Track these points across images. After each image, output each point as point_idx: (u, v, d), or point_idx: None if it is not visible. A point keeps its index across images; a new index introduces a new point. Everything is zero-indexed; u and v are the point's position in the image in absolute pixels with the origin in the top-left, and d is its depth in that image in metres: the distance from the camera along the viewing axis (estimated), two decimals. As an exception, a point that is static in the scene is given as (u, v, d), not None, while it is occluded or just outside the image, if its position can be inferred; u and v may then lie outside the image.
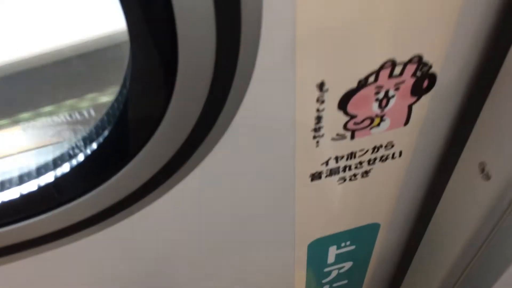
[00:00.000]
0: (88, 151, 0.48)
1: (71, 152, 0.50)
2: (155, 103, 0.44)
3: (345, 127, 0.54)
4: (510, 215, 0.54)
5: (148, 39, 0.39)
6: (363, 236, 0.82)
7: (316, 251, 0.81)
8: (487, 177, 0.51)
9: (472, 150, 0.55)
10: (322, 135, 0.54)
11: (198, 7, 0.35)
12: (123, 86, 0.45)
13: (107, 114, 0.47)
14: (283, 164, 0.58)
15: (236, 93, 0.44)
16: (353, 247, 0.84)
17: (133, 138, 0.47)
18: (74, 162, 0.50)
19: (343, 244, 0.82)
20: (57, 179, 0.50)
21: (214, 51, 0.39)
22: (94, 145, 0.48)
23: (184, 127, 0.46)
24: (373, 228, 0.80)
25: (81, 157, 0.49)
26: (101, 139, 0.48)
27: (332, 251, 0.83)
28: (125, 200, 0.52)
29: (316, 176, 0.62)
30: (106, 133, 0.47)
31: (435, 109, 0.56)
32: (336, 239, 0.80)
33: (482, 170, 0.52)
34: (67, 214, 0.52)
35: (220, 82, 0.42)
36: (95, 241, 0.58)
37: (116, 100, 0.46)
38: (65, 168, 0.50)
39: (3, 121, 0.65)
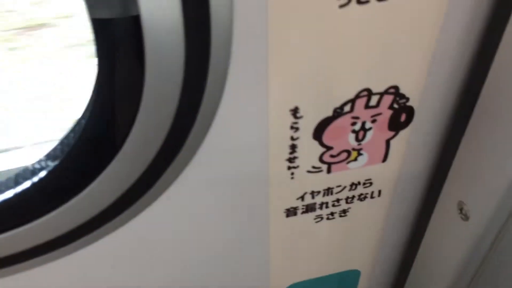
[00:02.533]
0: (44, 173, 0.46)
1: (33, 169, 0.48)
2: (114, 134, 0.43)
3: (321, 159, 0.53)
4: (492, 258, 0.51)
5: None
6: (342, 283, 0.78)
7: (293, 298, 0.77)
8: (466, 217, 0.49)
9: (451, 189, 0.53)
10: (297, 167, 0.53)
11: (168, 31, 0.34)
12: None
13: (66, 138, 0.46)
14: (257, 197, 0.56)
15: (203, 119, 0.43)
16: (332, 295, 0.80)
17: (90, 164, 0.45)
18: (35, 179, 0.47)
19: (321, 292, 0.78)
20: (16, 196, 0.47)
21: (181, 81, 0.39)
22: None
23: (146, 155, 0.44)
24: (353, 276, 0.77)
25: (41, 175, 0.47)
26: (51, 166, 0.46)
27: (310, 299, 0.79)
28: (81, 226, 0.49)
29: (291, 212, 0.59)
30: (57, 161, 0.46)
31: (414, 146, 0.55)
32: (314, 285, 0.76)
33: (461, 210, 0.50)
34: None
35: (185, 112, 0.41)
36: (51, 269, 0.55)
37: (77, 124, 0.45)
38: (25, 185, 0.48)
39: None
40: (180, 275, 0.64)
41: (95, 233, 0.51)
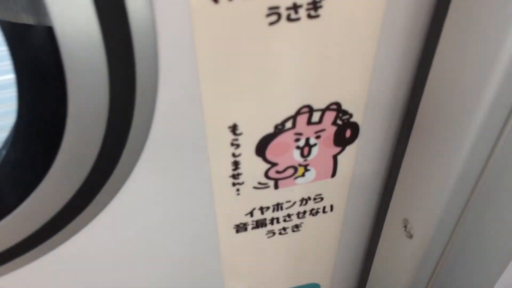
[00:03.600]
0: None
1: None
2: (43, 152, 0.41)
3: (266, 175, 0.52)
4: (439, 275, 0.51)
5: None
6: (302, 297, 0.77)
7: (252, 312, 0.76)
8: (410, 234, 0.48)
9: (396, 206, 0.53)
10: (243, 183, 0.52)
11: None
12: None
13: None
14: (203, 213, 0.55)
15: (136, 136, 0.42)
16: (292, 309, 0.79)
17: (19, 183, 0.44)
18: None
19: (281, 306, 0.77)
20: None
21: (107, 102, 0.38)
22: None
23: (80, 172, 0.43)
24: (312, 289, 0.76)
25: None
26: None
27: (270, 313, 0.78)
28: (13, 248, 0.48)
29: (241, 228, 0.58)
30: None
31: (362, 161, 0.54)
32: (272, 299, 0.75)
33: (405, 227, 0.49)
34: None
35: (115, 131, 0.40)
36: None
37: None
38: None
39: None
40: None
41: (30, 252, 0.49)
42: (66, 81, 0.35)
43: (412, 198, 0.48)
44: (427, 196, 0.45)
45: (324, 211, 0.60)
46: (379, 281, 0.61)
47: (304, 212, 0.59)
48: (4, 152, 0.42)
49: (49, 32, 0.33)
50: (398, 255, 0.53)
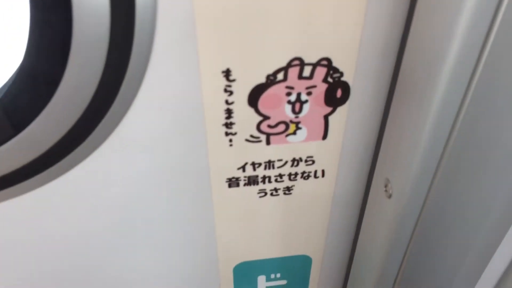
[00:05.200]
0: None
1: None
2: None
3: (258, 128, 0.54)
4: (418, 237, 0.52)
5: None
6: (294, 269, 0.78)
7: (243, 279, 0.78)
8: (389, 194, 0.50)
9: (380, 167, 0.54)
10: (235, 133, 0.54)
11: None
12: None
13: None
14: (197, 162, 0.57)
15: (133, 75, 0.45)
16: (284, 281, 0.81)
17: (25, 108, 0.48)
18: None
19: (272, 276, 0.79)
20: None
21: (107, 40, 0.41)
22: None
23: (78, 105, 0.47)
24: (304, 262, 0.77)
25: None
26: None
27: (262, 282, 0.80)
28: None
29: (233, 182, 0.61)
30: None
31: (354, 123, 0.56)
32: (264, 267, 0.77)
33: (385, 187, 0.51)
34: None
35: (113, 69, 0.44)
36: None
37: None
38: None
39: None
40: (118, 244, 0.66)
41: (32, 179, 0.53)
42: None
43: (392, 158, 0.50)
44: (403, 156, 0.47)
45: (315, 176, 0.62)
46: (365, 247, 0.62)
47: (296, 174, 0.61)
48: (10, 82, 0.46)
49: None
50: (380, 217, 0.54)
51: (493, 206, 0.51)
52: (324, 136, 0.57)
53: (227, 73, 0.48)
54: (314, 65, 0.49)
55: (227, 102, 0.51)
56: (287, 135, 0.56)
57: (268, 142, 0.56)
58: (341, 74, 0.50)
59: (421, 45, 0.43)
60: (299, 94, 0.51)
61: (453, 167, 0.46)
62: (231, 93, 0.50)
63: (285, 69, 0.49)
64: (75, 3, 0.40)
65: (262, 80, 0.49)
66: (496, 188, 0.48)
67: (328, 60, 0.49)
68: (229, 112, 0.52)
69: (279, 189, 0.63)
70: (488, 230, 0.53)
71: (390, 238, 0.52)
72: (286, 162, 0.59)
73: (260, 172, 0.60)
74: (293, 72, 0.49)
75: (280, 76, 0.49)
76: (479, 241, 0.53)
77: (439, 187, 0.47)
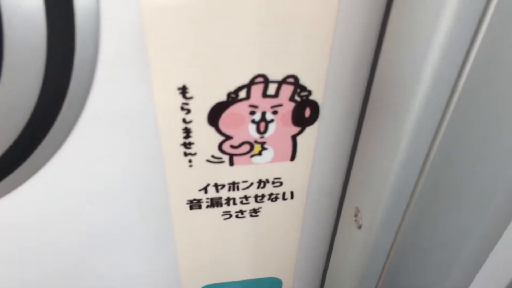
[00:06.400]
0: None
1: None
2: None
3: (220, 149, 0.50)
4: (390, 268, 0.48)
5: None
6: (263, 292, 0.74)
7: (209, 302, 0.73)
8: (359, 224, 0.46)
9: (350, 195, 0.50)
10: (195, 154, 0.50)
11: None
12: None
13: None
14: (154, 184, 0.53)
15: (76, 89, 0.41)
16: (253, 304, 0.76)
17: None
18: None
19: (240, 299, 0.75)
20: None
21: (44, 55, 0.37)
22: None
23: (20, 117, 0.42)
24: (274, 284, 0.73)
25: None
26: None
27: (229, 306, 0.76)
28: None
29: (195, 204, 0.56)
30: None
31: (323, 144, 0.52)
32: (231, 290, 0.72)
33: (355, 217, 0.47)
34: None
35: (54, 84, 0.39)
36: None
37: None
38: None
39: None
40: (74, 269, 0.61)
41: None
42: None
43: (362, 186, 0.46)
44: (374, 184, 0.43)
45: (284, 198, 0.58)
46: (336, 273, 0.58)
47: (263, 196, 0.57)
48: None
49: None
50: (350, 246, 0.50)
51: (470, 236, 0.47)
52: (292, 157, 0.53)
53: (183, 90, 0.44)
54: (280, 83, 0.45)
55: (184, 120, 0.47)
56: (252, 156, 0.52)
57: (231, 163, 0.52)
58: (310, 92, 0.46)
59: (394, 65, 0.39)
60: (264, 113, 0.47)
61: (428, 196, 0.42)
62: (188, 111, 0.46)
63: (248, 86, 0.45)
64: (5, 8, 0.35)
65: (223, 98, 0.45)
66: (473, 217, 0.45)
67: (295, 77, 0.45)
68: (187, 132, 0.48)
69: (245, 211, 0.59)
70: (465, 260, 0.49)
71: (361, 269, 0.48)
72: (251, 184, 0.55)
73: (224, 193, 0.56)
74: (257, 89, 0.45)
75: (242, 94, 0.45)
76: (456, 272, 0.50)
77: (412, 217, 0.44)
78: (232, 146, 0.50)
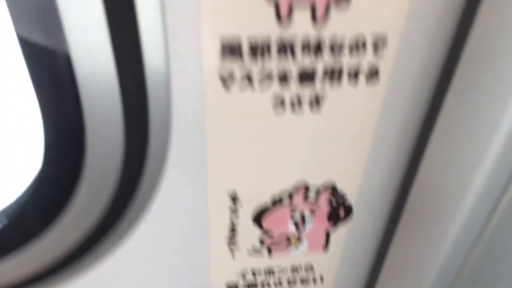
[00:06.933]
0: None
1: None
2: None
3: (261, 243, 0.55)
4: None
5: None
6: None
7: None
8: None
9: (384, 283, 0.55)
10: (237, 244, 0.55)
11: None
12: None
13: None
14: (197, 271, 0.58)
15: (144, 190, 0.46)
16: None
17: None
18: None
19: None
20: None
21: (120, 161, 0.42)
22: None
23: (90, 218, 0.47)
24: None
25: None
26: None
27: None
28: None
29: (232, 287, 0.61)
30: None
31: (354, 238, 0.57)
32: None
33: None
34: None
35: (125, 189, 0.45)
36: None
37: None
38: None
39: None
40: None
41: None
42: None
43: (400, 275, 0.50)
44: (415, 275, 0.47)
45: (314, 282, 0.62)
46: None
47: (295, 280, 0.61)
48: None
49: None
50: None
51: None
52: (325, 249, 0.58)
53: (233, 194, 0.49)
54: (319, 191, 0.50)
55: (231, 219, 0.52)
56: (289, 249, 0.57)
57: (270, 254, 0.57)
58: (345, 199, 0.52)
59: (435, 179, 0.44)
60: (303, 214, 0.53)
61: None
62: (236, 211, 0.51)
63: (290, 191, 0.50)
64: (90, 133, 0.41)
65: (268, 201, 0.50)
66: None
67: (333, 186, 0.50)
68: (233, 228, 0.53)
69: (278, 293, 0.63)
70: None
71: None
72: (285, 269, 0.60)
73: (260, 279, 0.60)
74: (299, 194, 0.50)
75: (285, 197, 0.50)
76: None
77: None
78: (272, 241, 0.55)
